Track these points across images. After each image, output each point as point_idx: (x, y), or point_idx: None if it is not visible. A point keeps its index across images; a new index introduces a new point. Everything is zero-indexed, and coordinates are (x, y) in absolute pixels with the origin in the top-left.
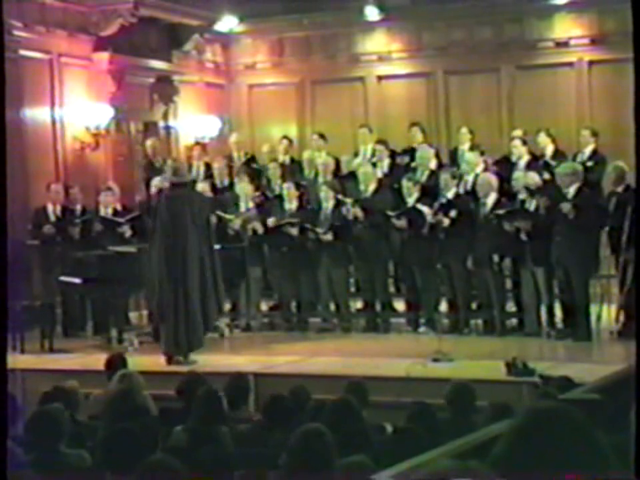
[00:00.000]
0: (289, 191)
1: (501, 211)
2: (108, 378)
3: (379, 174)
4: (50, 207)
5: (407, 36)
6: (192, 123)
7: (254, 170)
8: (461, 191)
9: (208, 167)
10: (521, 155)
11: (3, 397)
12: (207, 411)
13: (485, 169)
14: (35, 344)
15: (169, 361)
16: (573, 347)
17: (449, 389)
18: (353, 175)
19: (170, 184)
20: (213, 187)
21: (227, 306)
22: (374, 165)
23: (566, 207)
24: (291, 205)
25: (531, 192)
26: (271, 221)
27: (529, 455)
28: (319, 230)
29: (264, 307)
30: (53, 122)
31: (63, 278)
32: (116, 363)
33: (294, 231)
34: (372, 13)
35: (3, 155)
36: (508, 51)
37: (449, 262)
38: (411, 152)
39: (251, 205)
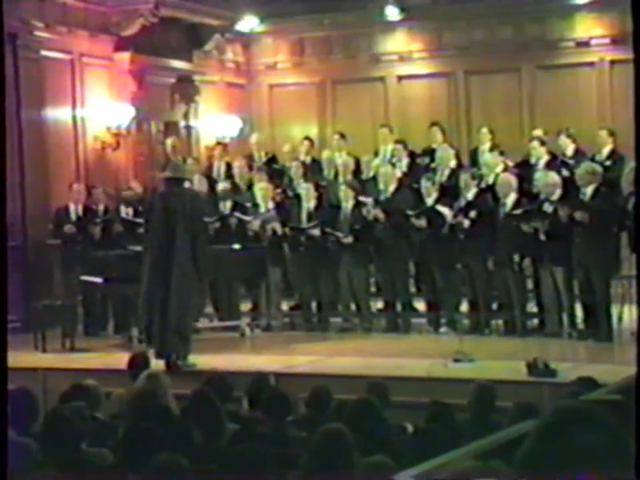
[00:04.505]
0: (307, 191)
1: (517, 211)
2: (131, 377)
3: (398, 174)
4: (72, 207)
5: (428, 36)
6: (213, 122)
7: (274, 170)
8: (481, 191)
9: (229, 166)
10: (540, 155)
11: (3, 397)
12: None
13: (505, 169)
14: (56, 343)
15: (167, 365)
16: (594, 347)
17: (472, 389)
18: (372, 177)
19: (165, 181)
20: (234, 187)
21: (248, 306)
22: (393, 165)
23: (579, 215)
24: (309, 204)
25: (552, 202)
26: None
27: (557, 454)
28: (340, 234)
29: (284, 306)
30: (74, 122)
31: (84, 277)
32: (139, 362)
33: (316, 232)
34: (392, 12)
35: (3, 154)
36: (529, 50)
37: (469, 262)
38: (430, 152)
39: (271, 205)
